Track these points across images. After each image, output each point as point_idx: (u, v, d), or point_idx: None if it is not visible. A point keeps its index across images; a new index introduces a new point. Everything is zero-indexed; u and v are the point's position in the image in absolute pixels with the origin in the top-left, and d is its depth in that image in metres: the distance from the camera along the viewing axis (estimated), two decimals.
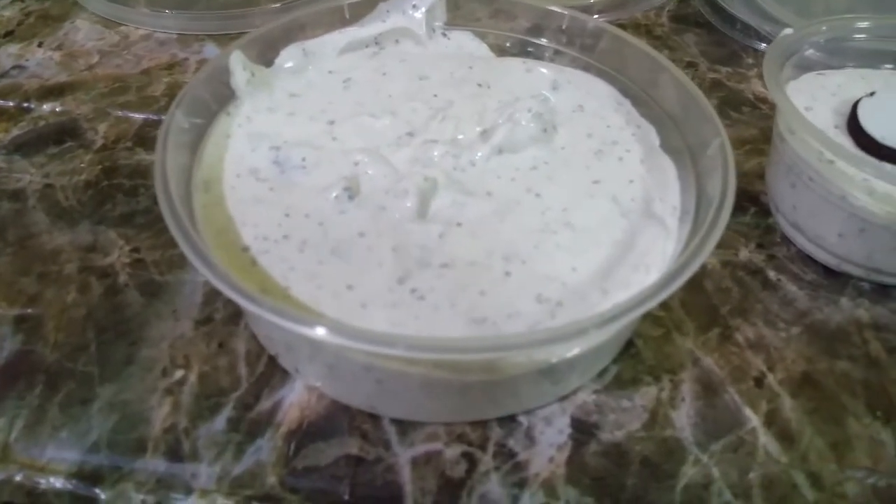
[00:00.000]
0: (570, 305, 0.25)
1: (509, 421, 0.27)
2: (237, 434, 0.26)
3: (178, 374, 0.28)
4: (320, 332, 0.21)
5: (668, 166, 0.29)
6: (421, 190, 0.27)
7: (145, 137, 0.36)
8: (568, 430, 0.26)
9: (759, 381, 0.28)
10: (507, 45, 0.36)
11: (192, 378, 0.28)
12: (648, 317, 0.30)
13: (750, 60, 0.43)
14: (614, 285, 0.25)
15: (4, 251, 0.32)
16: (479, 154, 0.29)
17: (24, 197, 0.34)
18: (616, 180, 0.28)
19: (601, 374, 0.28)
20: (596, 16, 0.35)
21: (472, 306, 0.24)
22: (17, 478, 0.25)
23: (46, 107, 0.38)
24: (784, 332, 0.30)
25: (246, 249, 0.26)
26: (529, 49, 0.35)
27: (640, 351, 0.29)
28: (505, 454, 0.26)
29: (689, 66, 0.43)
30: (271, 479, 0.25)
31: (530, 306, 0.24)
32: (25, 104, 0.38)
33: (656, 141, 0.30)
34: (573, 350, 0.24)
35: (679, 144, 0.30)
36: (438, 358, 0.23)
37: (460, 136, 0.29)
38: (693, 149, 0.29)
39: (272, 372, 0.28)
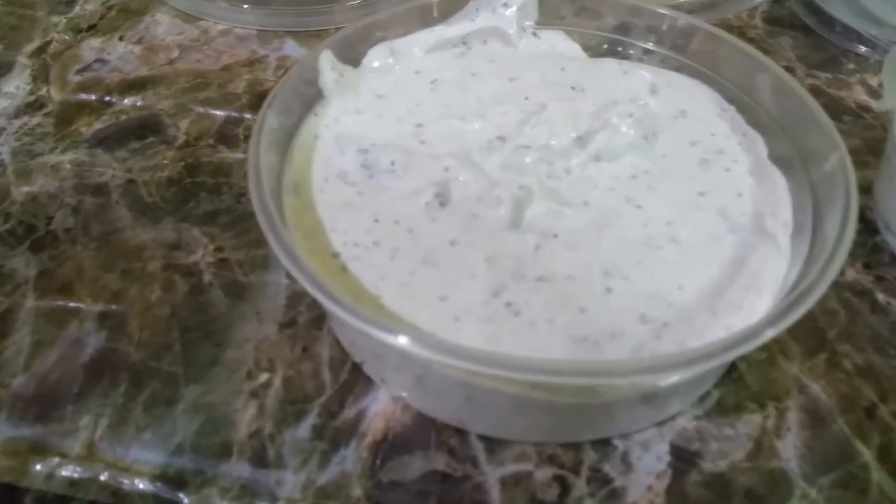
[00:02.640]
0: (677, 326, 0.23)
1: (603, 444, 0.25)
2: (322, 442, 0.26)
3: (263, 377, 0.27)
4: (422, 350, 0.20)
5: (777, 179, 0.28)
6: (515, 198, 0.26)
7: (227, 135, 0.36)
8: (667, 458, 0.25)
9: (871, 412, 0.26)
10: (593, 44, 0.34)
11: (277, 382, 0.27)
12: None
13: (851, 66, 0.41)
14: (724, 307, 0.24)
15: (88, 246, 0.32)
16: (575, 161, 0.27)
17: (107, 191, 0.34)
18: (723, 193, 0.27)
19: (702, 398, 0.26)
20: None
21: (571, 323, 0.23)
22: (102, 477, 0.25)
23: (128, 101, 0.38)
24: None
25: (336, 255, 0.25)
26: (618, 49, 0.34)
27: (742, 375, 0.27)
28: (600, 480, 0.25)
29: (786, 71, 0.40)
30: (356, 492, 0.24)
31: (634, 326, 0.23)
32: (107, 98, 0.38)
33: (764, 151, 0.29)
34: (683, 377, 0.23)
35: (788, 155, 0.28)
36: (537, 380, 0.22)
37: (553, 142, 0.28)
38: (806, 161, 0.27)
39: (356, 380, 0.27)
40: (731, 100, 0.30)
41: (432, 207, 0.26)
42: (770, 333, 0.21)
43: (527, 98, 0.30)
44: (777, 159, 0.28)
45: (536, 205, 0.26)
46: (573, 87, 0.30)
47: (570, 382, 0.21)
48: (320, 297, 0.22)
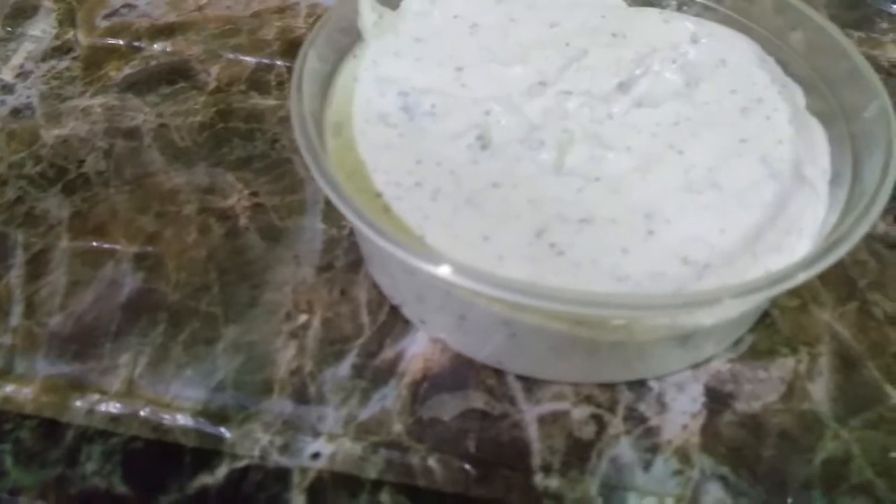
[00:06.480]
0: (718, 268, 0.23)
1: (639, 385, 0.26)
2: (362, 380, 0.26)
3: (302, 318, 0.27)
4: (473, 284, 0.21)
5: (816, 128, 0.28)
6: (558, 142, 0.26)
7: (259, 81, 0.36)
8: (702, 399, 0.25)
9: None
10: None
11: (316, 323, 0.27)
12: None
13: (885, 24, 0.40)
14: (764, 249, 0.24)
15: (121, 188, 0.32)
16: (617, 107, 0.27)
17: (138, 135, 0.34)
18: (764, 140, 0.27)
19: (736, 343, 0.27)
20: None
21: (614, 264, 0.23)
22: (143, 412, 0.26)
23: (157, 46, 0.38)
24: None
25: (379, 195, 0.25)
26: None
27: (775, 321, 0.27)
28: (636, 418, 0.25)
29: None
30: (397, 427, 0.25)
31: (676, 267, 0.23)
32: (136, 43, 0.38)
33: (802, 101, 0.29)
34: (733, 313, 0.23)
35: (827, 105, 0.28)
36: (585, 313, 0.22)
37: (595, 88, 0.28)
38: (846, 110, 0.27)
39: (394, 322, 0.27)
40: (770, 51, 0.30)
41: (474, 150, 0.26)
42: (802, 277, 0.21)
43: (568, 44, 0.30)
44: (815, 110, 0.28)
45: (579, 149, 0.26)
46: (614, 35, 0.30)
47: (617, 315, 0.22)
48: (369, 232, 0.22)
